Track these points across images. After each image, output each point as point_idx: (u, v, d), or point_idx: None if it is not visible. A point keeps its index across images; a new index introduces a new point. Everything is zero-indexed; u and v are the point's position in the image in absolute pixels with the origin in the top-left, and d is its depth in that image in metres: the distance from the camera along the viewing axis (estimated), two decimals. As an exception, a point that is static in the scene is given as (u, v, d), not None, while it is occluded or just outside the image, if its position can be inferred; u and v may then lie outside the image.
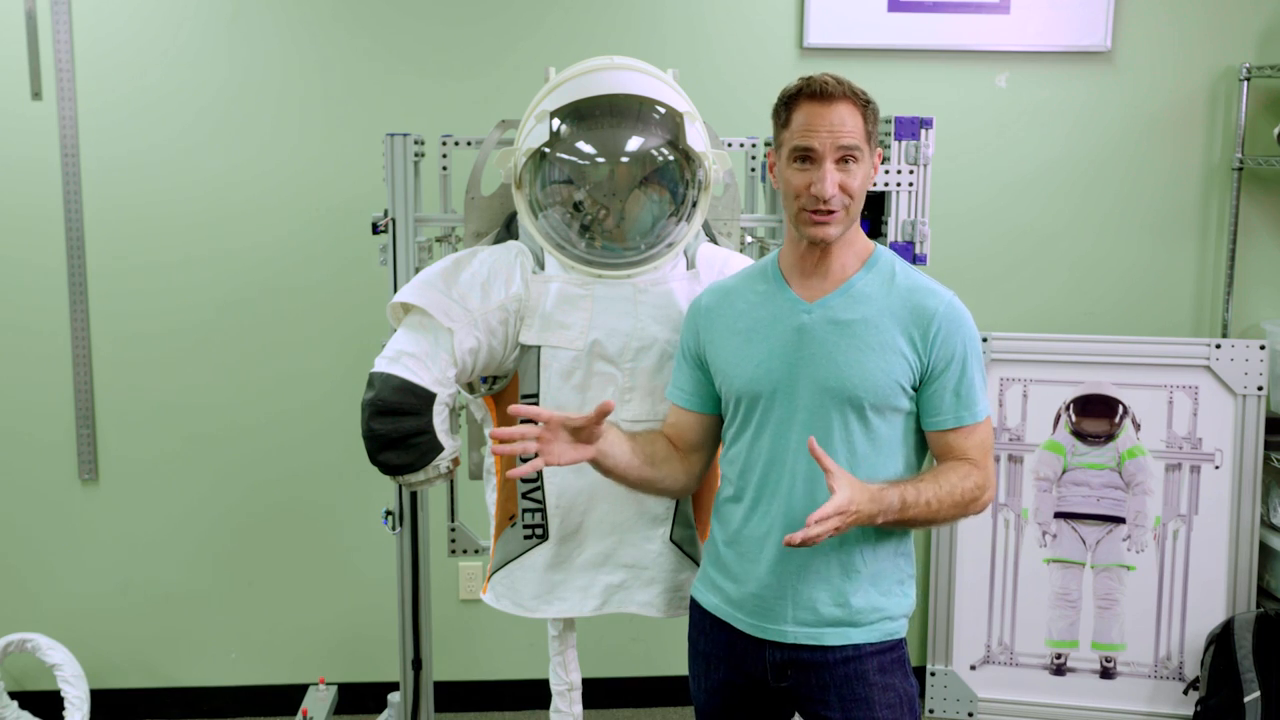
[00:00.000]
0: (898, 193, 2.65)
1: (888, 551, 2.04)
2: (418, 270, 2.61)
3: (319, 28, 3.52)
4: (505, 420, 2.37)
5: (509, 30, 3.55)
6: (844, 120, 1.94)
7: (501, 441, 1.93)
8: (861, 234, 2.08)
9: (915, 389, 2.00)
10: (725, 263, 2.36)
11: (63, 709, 3.27)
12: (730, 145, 2.71)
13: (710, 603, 2.14)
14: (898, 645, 2.07)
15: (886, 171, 2.63)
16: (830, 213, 1.96)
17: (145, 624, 3.72)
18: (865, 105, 1.97)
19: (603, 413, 1.97)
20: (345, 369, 3.56)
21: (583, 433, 2.00)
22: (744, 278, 2.16)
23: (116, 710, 3.72)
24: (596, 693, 3.66)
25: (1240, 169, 3.68)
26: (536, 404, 2.28)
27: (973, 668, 3.68)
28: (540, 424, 1.96)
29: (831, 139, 1.94)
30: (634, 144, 2.25)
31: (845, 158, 1.95)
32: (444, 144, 2.77)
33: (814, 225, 1.98)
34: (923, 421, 2.03)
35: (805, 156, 1.96)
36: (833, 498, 1.82)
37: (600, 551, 2.34)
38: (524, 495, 2.33)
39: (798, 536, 1.79)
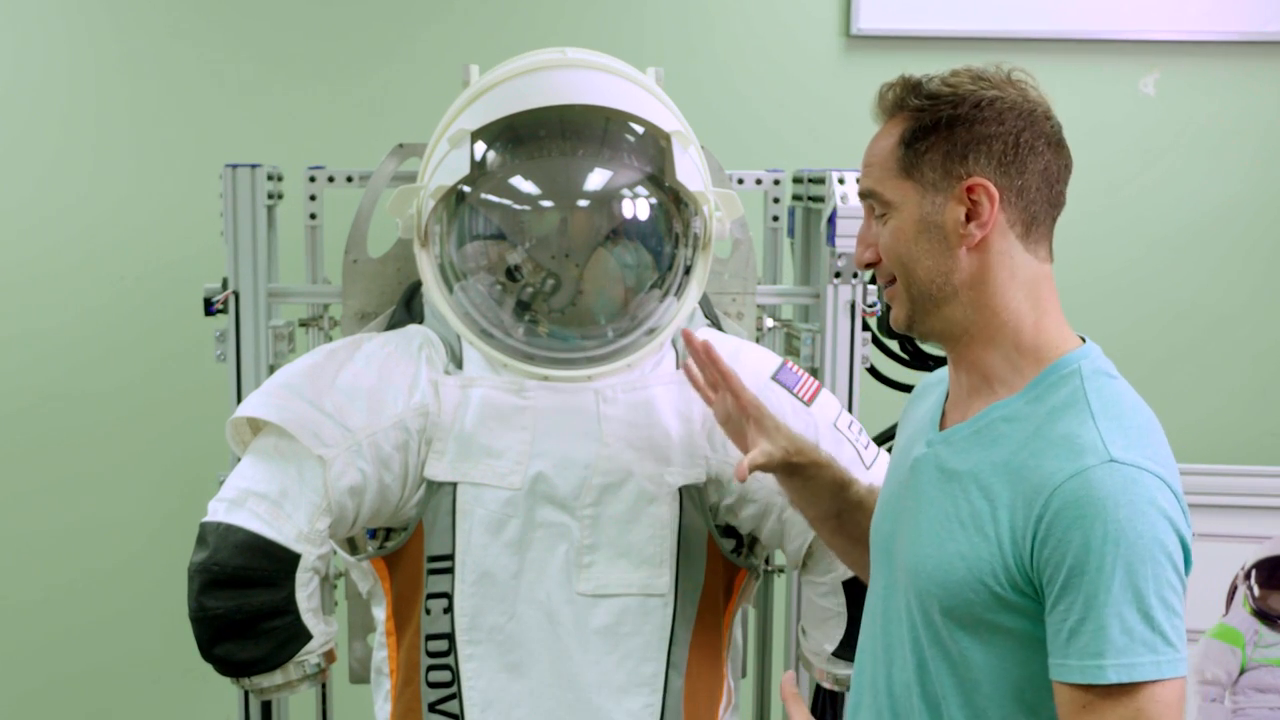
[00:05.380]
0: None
1: None
2: (272, 369, 2.62)
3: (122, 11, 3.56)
4: (402, 593, 2.36)
5: (409, 10, 3.59)
6: (872, 149, 1.90)
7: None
8: (1025, 329, 1.84)
9: (1031, 597, 1.73)
10: (734, 357, 2.35)
11: None
12: (742, 182, 2.74)
13: None
14: None
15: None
16: (886, 285, 1.92)
17: None
18: (916, 113, 1.84)
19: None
20: (162, 517, 3.56)
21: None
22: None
23: None
24: None
25: None
26: (451, 570, 2.28)
27: None
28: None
29: (860, 183, 1.93)
30: (597, 180, 2.28)
31: (872, 207, 1.90)
32: (312, 179, 2.77)
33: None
34: None
35: None
36: None
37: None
38: (432, 707, 2.32)
39: None
